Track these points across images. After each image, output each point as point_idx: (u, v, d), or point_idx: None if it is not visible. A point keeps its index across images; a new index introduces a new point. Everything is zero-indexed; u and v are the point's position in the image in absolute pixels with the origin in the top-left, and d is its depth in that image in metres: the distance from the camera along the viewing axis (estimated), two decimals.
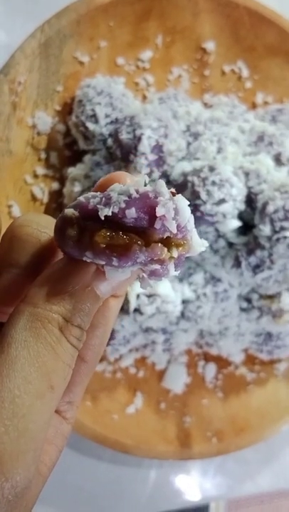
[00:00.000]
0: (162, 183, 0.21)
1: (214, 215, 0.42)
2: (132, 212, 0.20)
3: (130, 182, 0.22)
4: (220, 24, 0.51)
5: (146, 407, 0.53)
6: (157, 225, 0.20)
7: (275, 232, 0.42)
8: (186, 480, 0.56)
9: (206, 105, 0.52)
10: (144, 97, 0.52)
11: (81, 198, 0.21)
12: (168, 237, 0.21)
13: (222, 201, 0.42)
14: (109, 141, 0.46)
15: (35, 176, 0.50)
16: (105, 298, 0.23)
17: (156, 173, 0.44)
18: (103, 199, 0.20)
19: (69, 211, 0.21)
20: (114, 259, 0.20)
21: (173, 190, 0.21)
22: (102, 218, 0.20)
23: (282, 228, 0.42)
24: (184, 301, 0.48)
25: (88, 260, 0.21)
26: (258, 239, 0.44)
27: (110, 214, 0.20)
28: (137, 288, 0.44)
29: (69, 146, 0.51)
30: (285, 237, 0.42)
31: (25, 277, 0.24)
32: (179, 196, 0.21)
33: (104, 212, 0.20)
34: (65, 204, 0.49)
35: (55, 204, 0.51)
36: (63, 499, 0.54)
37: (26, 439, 0.20)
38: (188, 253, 0.21)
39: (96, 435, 0.50)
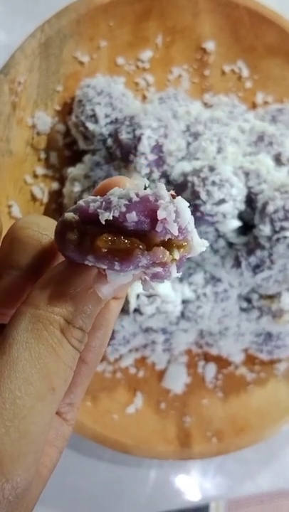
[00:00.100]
0: (162, 186, 0.21)
1: (214, 215, 0.42)
2: (132, 216, 0.20)
3: (130, 186, 0.22)
4: (220, 24, 0.51)
5: (146, 407, 0.53)
6: (159, 228, 0.20)
7: (275, 232, 0.42)
8: (186, 480, 0.56)
9: (206, 105, 0.52)
10: (144, 97, 0.52)
11: (81, 202, 0.21)
12: (169, 239, 0.21)
13: (222, 201, 0.42)
14: (109, 141, 0.46)
15: (35, 176, 0.50)
16: (107, 300, 0.23)
17: (156, 173, 0.44)
18: (103, 203, 0.20)
19: (69, 215, 0.21)
20: (116, 263, 0.20)
21: (173, 192, 0.21)
22: (103, 223, 0.20)
23: (282, 228, 0.42)
24: (184, 301, 0.47)
25: (90, 264, 0.21)
26: (258, 239, 0.44)
27: (111, 218, 0.20)
28: (136, 288, 0.44)
29: (69, 146, 0.51)
30: (285, 237, 0.42)
31: (25, 279, 0.24)
32: (179, 198, 0.21)
33: (105, 216, 0.20)
34: (65, 204, 0.49)
35: (55, 204, 0.51)
36: (63, 499, 0.54)
37: (27, 440, 0.20)
38: (190, 254, 0.22)
39: (96, 435, 0.50)
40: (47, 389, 0.21)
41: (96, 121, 0.46)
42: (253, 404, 0.55)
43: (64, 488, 0.54)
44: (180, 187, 0.43)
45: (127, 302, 0.45)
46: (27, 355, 0.21)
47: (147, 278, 0.22)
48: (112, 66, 0.50)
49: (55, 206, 0.51)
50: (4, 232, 0.25)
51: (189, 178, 0.43)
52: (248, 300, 0.50)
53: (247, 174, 0.45)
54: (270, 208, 0.42)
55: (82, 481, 0.54)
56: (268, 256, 0.44)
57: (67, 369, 0.22)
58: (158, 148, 0.43)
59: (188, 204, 0.21)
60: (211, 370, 0.55)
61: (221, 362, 0.55)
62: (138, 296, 0.45)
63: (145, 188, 0.21)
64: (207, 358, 0.55)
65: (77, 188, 0.46)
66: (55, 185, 0.50)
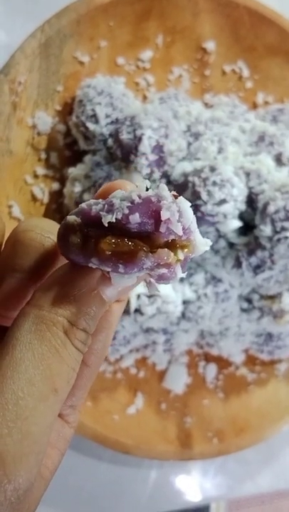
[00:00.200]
0: (164, 186, 0.21)
1: (215, 215, 0.42)
2: (135, 218, 0.20)
3: (132, 188, 0.22)
4: (220, 24, 0.51)
5: (146, 408, 0.53)
6: (162, 228, 0.20)
7: (275, 232, 0.42)
8: (186, 480, 0.56)
9: (206, 105, 0.52)
10: (145, 97, 0.52)
11: (83, 205, 0.21)
12: (173, 240, 0.21)
13: (223, 201, 0.42)
14: (110, 142, 0.46)
15: (36, 176, 0.50)
16: (112, 302, 0.23)
17: (157, 174, 0.44)
18: (106, 206, 0.20)
19: (71, 218, 0.21)
20: (121, 266, 0.20)
21: (174, 192, 0.21)
22: (106, 225, 0.20)
23: (283, 228, 0.42)
24: (185, 302, 0.47)
25: (94, 267, 0.21)
26: (259, 239, 0.44)
27: (114, 220, 0.20)
28: (137, 288, 0.44)
29: (69, 146, 0.51)
30: (286, 238, 0.42)
31: (28, 282, 0.24)
32: (181, 198, 0.21)
33: (108, 218, 0.20)
34: (65, 204, 0.49)
35: (55, 204, 0.51)
36: (64, 499, 0.54)
37: (29, 441, 0.20)
38: (194, 254, 0.21)
39: (96, 435, 0.50)
40: (49, 390, 0.21)
41: (96, 122, 0.46)
42: (254, 405, 0.55)
43: (64, 488, 0.53)
44: (181, 187, 0.43)
45: (127, 302, 0.45)
46: (30, 356, 0.21)
47: (152, 280, 0.22)
48: (113, 66, 0.50)
49: (55, 206, 0.51)
50: (7, 234, 0.25)
51: (190, 179, 0.43)
52: (249, 300, 0.49)
53: (248, 174, 0.45)
54: (271, 208, 0.42)
55: (82, 481, 0.54)
56: (268, 256, 0.44)
57: (70, 370, 0.22)
58: (159, 149, 0.43)
59: (190, 204, 0.21)
60: (211, 370, 0.55)
61: (222, 362, 0.55)
62: (139, 296, 0.45)
63: (147, 190, 0.21)
64: (208, 358, 0.55)
65: (77, 188, 0.46)
66: (55, 186, 0.50)
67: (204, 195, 0.41)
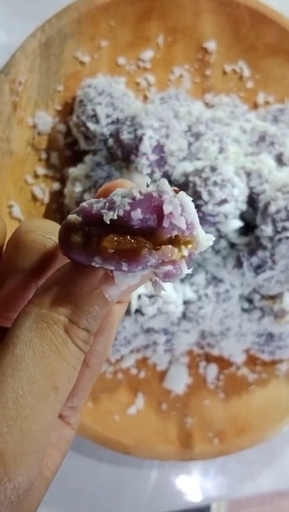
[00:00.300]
0: (165, 181, 0.20)
1: (216, 215, 0.42)
2: (137, 214, 0.20)
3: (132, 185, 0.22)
4: (221, 24, 0.51)
5: (147, 408, 0.53)
6: (165, 223, 0.20)
7: (277, 232, 0.42)
8: (187, 480, 0.56)
9: (207, 105, 0.52)
10: (146, 97, 0.51)
11: (84, 204, 0.21)
12: (176, 236, 0.20)
13: (224, 201, 0.42)
14: (110, 142, 0.46)
15: (36, 176, 0.50)
16: (115, 302, 0.23)
17: (158, 174, 0.44)
18: (107, 203, 0.20)
19: (72, 217, 0.21)
20: (124, 263, 0.20)
21: (175, 188, 0.21)
22: (108, 222, 0.20)
23: (284, 228, 0.42)
24: (186, 302, 0.47)
25: (97, 266, 0.21)
26: (260, 239, 0.44)
27: (116, 217, 0.20)
28: (138, 289, 0.44)
29: (70, 146, 0.50)
30: (287, 238, 0.42)
31: (30, 283, 0.24)
32: (182, 193, 0.20)
33: (109, 216, 0.20)
34: (66, 204, 0.49)
35: (55, 204, 0.51)
36: (64, 500, 0.53)
37: (29, 440, 0.20)
38: (197, 250, 0.21)
39: (97, 436, 0.50)
40: (50, 388, 0.21)
41: (97, 122, 0.45)
42: (255, 405, 0.55)
43: (65, 488, 0.53)
44: (181, 187, 0.43)
45: (128, 303, 0.44)
46: (30, 354, 0.20)
47: (158, 279, 0.21)
48: (113, 66, 0.50)
49: (56, 206, 0.51)
50: (8, 234, 0.25)
51: (191, 179, 0.43)
52: (250, 300, 0.49)
53: (249, 174, 0.44)
54: (272, 208, 0.42)
55: (83, 481, 0.54)
56: (269, 256, 0.44)
57: (71, 369, 0.22)
58: (159, 149, 0.43)
59: (191, 199, 0.21)
60: (212, 370, 0.55)
61: (223, 362, 0.55)
62: (139, 296, 0.45)
63: (147, 186, 0.21)
64: (208, 358, 0.55)
65: (78, 188, 0.46)
66: (56, 186, 0.50)
67: (205, 195, 0.41)
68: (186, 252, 0.21)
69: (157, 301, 0.45)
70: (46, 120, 0.49)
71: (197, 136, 0.46)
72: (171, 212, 0.20)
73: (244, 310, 0.50)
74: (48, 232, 0.24)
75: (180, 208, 0.20)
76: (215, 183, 0.41)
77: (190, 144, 0.46)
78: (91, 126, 0.46)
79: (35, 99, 0.48)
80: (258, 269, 0.45)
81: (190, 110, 0.47)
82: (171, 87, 0.52)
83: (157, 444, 0.52)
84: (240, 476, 0.57)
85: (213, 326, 0.49)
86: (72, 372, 0.22)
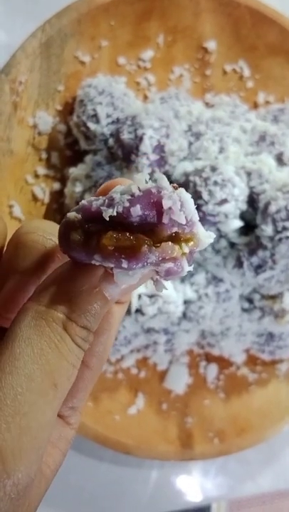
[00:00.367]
0: (163, 177, 0.20)
1: (216, 215, 0.42)
2: (137, 210, 0.19)
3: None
4: (221, 23, 0.51)
5: (147, 408, 0.53)
6: (165, 219, 0.20)
7: (277, 232, 0.42)
8: (187, 480, 0.56)
9: (207, 105, 0.52)
10: (146, 97, 0.51)
11: (83, 202, 0.21)
12: (176, 234, 0.20)
13: (224, 201, 0.42)
14: (111, 141, 0.46)
15: (36, 176, 0.50)
16: (115, 300, 0.23)
17: (158, 174, 0.44)
18: (106, 201, 0.20)
19: (71, 215, 0.21)
20: (124, 261, 0.20)
21: (174, 184, 0.21)
22: (107, 219, 0.20)
23: (285, 228, 0.42)
24: (186, 302, 0.47)
25: (97, 263, 0.21)
26: (260, 239, 0.44)
27: (115, 214, 0.20)
28: (139, 288, 0.44)
29: (70, 146, 0.50)
30: (287, 237, 0.42)
31: (30, 284, 0.24)
32: (182, 189, 0.20)
33: (109, 212, 0.20)
34: (66, 204, 0.49)
35: (56, 204, 0.51)
36: (64, 500, 0.53)
37: (28, 437, 0.20)
38: (198, 247, 0.21)
39: (97, 435, 0.50)
40: (49, 385, 0.21)
41: (97, 121, 0.46)
42: (255, 405, 0.55)
43: (65, 488, 0.53)
44: (182, 187, 0.43)
45: (128, 303, 0.44)
46: (29, 352, 0.21)
47: (159, 278, 0.21)
48: (114, 66, 0.50)
49: (56, 206, 0.51)
50: (9, 234, 0.25)
51: (191, 178, 0.43)
52: (250, 300, 0.49)
53: (249, 174, 0.44)
54: (272, 208, 0.42)
55: (83, 481, 0.54)
56: (270, 256, 0.44)
57: (70, 367, 0.22)
58: (160, 148, 0.43)
59: (190, 195, 0.21)
60: (212, 370, 0.55)
61: (223, 362, 0.55)
62: (140, 296, 0.45)
63: (146, 183, 0.21)
64: (209, 358, 0.55)
65: (78, 188, 0.46)
66: (56, 186, 0.50)
67: (205, 195, 0.41)
68: (186, 249, 0.20)
69: (157, 300, 0.45)
70: (47, 120, 0.49)
71: (197, 135, 0.46)
72: (170, 208, 0.20)
73: (244, 310, 0.50)
74: (48, 233, 0.24)
75: (179, 203, 0.20)
76: (215, 183, 0.41)
77: (190, 144, 0.46)
78: (91, 125, 0.46)
79: (36, 99, 0.48)
80: (258, 268, 0.45)
81: (190, 110, 0.47)
82: (172, 87, 0.52)
83: (157, 443, 0.52)
84: (240, 476, 0.57)
85: (214, 325, 0.49)
86: (72, 369, 0.22)
